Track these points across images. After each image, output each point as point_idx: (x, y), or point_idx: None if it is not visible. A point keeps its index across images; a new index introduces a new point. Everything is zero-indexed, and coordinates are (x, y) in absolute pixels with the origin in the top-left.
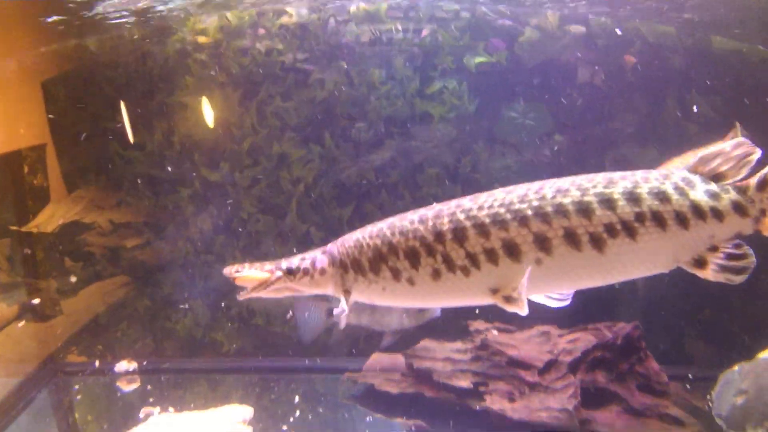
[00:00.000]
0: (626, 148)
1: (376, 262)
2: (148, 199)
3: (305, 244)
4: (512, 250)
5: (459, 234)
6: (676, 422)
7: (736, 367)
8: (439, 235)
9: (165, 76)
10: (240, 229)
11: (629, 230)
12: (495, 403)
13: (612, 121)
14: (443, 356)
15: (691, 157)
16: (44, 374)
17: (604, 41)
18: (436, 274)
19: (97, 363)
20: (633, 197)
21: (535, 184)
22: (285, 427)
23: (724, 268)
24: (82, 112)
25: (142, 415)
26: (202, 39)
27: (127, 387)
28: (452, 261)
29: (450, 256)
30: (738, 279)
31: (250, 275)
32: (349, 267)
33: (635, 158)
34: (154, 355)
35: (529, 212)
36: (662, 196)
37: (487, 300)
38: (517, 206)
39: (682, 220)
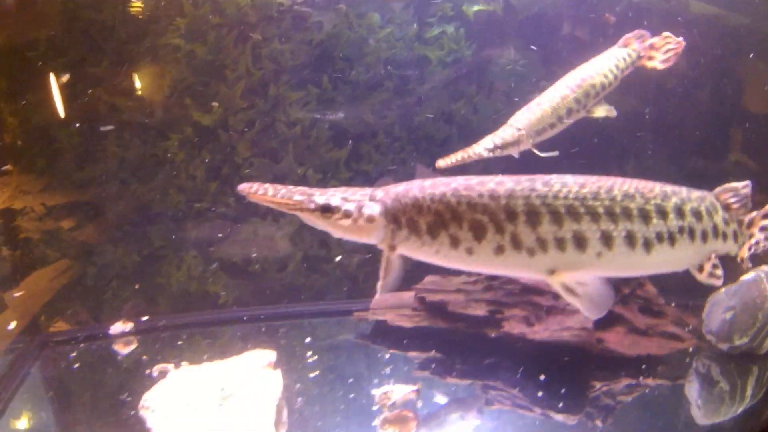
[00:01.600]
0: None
1: (436, 227)
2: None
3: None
4: (580, 242)
5: (534, 218)
6: (675, 338)
7: (722, 290)
8: (511, 215)
9: (155, 18)
10: (234, 176)
11: (672, 239)
12: (514, 328)
13: None
14: (454, 288)
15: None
16: (32, 348)
17: None
18: (499, 250)
19: (87, 328)
20: (680, 212)
21: (605, 183)
22: (308, 368)
23: (711, 275)
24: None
25: (155, 373)
26: None
27: (125, 349)
28: (520, 242)
29: (519, 237)
30: (719, 282)
31: (273, 202)
32: (404, 224)
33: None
34: (147, 313)
35: (601, 210)
36: (698, 215)
37: (540, 277)
38: (590, 202)
39: (704, 236)
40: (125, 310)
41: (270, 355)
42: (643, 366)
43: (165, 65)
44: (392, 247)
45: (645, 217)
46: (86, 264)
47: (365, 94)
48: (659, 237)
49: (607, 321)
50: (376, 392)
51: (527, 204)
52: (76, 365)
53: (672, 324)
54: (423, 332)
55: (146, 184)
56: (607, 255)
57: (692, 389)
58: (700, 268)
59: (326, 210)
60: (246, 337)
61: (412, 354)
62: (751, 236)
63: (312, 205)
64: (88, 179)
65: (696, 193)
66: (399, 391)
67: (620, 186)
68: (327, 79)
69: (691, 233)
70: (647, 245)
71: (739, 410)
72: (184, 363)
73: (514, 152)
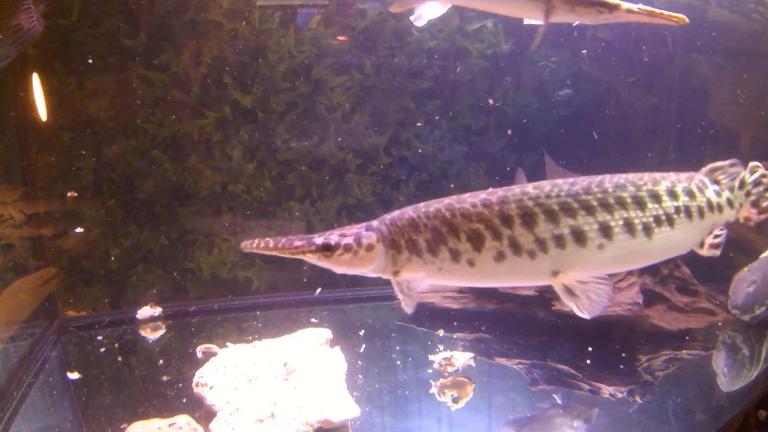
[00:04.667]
0: (629, 94)
1: (435, 242)
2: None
3: (340, 171)
4: (580, 237)
5: (529, 219)
6: (709, 313)
7: (746, 268)
8: (506, 220)
9: None
10: (271, 158)
11: (670, 220)
12: (564, 306)
13: (618, 73)
14: None
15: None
16: (50, 333)
17: None
18: (500, 257)
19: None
20: (672, 194)
21: (596, 178)
22: (363, 348)
23: (712, 246)
24: None
25: (200, 354)
26: None
27: (153, 334)
28: (520, 245)
29: (518, 240)
30: (718, 252)
31: (276, 251)
32: (404, 247)
33: (637, 103)
34: (174, 299)
35: (595, 203)
36: (690, 194)
37: (545, 281)
38: (583, 197)
39: (701, 212)
40: (151, 295)
41: (326, 332)
42: (686, 338)
43: (205, 42)
44: (396, 273)
45: (640, 203)
46: (110, 246)
47: (407, 81)
48: (657, 220)
49: (649, 299)
50: (435, 358)
51: (520, 207)
52: (102, 349)
53: (705, 301)
54: (470, 314)
55: (179, 163)
56: (609, 246)
57: (719, 359)
58: (701, 245)
59: (327, 248)
60: (285, 321)
61: (461, 335)
62: (748, 195)
63: (313, 247)
64: (117, 156)
65: (683, 175)
66: (460, 357)
67: (610, 179)
68: (370, 65)
69: (688, 212)
70: (647, 230)
71: (755, 374)
72: (228, 344)
73: None
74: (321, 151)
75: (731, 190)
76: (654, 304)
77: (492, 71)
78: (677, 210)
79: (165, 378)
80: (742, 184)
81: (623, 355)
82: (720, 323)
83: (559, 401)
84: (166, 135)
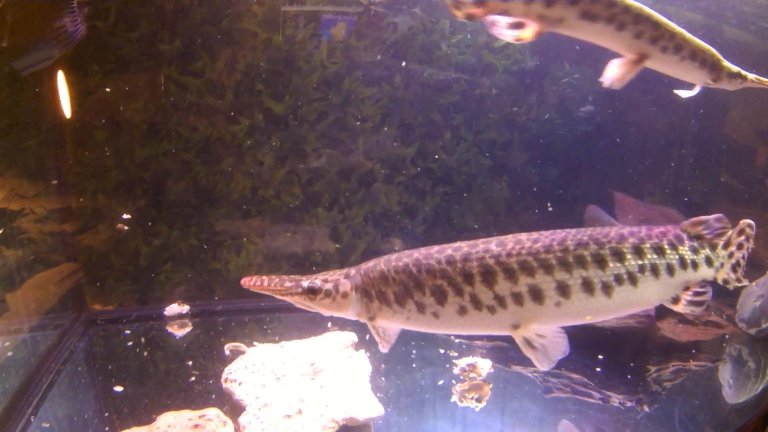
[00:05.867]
0: (648, 112)
1: (402, 295)
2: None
3: (368, 180)
4: (537, 295)
5: (488, 277)
6: (717, 326)
7: (753, 283)
8: (468, 277)
9: (231, 3)
10: (301, 164)
11: (632, 279)
12: None
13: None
14: None
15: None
16: (77, 326)
17: None
18: (462, 311)
19: (137, 309)
20: (638, 251)
21: (560, 235)
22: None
23: (690, 303)
24: None
25: (228, 351)
26: None
27: (180, 331)
28: (480, 301)
29: (478, 296)
30: (699, 310)
31: (268, 290)
32: (374, 297)
33: (656, 121)
34: (200, 298)
35: (554, 261)
36: (659, 251)
37: (506, 333)
38: (543, 256)
39: (670, 270)
40: (178, 293)
41: (351, 336)
42: (694, 350)
43: (239, 50)
44: (371, 318)
45: (600, 262)
46: (140, 243)
47: (435, 95)
48: (618, 279)
49: (660, 312)
50: (458, 363)
51: (482, 265)
52: (130, 343)
53: (714, 314)
54: None
55: (211, 166)
56: (566, 304)
57: (725, 371)
58: (676, 300)
59: (311, 292)
60: (308, 324)
61: (479, 342)
62: (731, 255)
63: (299, 289)
64: (149, 157)
65: (657, 230)
66: (483, 365)
67: (574, 236)
68: (399, 78)
69: (654, 270)
70: (607, 289)
71: (760, 387)
72: (256, 343)
73: None
74: (349, 160)
75: (713, 247)
76: (665, 317)
77: (517, 87)
78: (641, 268)
79: (193, 373)
80: (727, 244)
81: (633, 365)
82: (727, 336)
83: (571, 409)
84: (199, 139)
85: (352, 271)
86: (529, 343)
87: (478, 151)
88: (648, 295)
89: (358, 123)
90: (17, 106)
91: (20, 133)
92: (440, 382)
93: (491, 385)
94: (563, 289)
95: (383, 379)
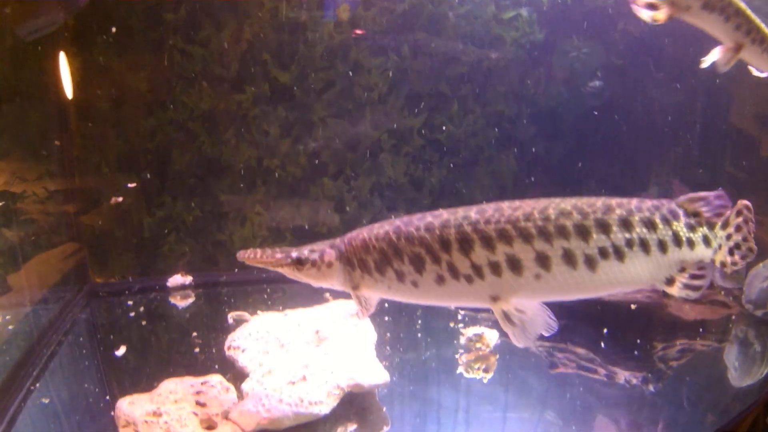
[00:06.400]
0: (657, 91)
1: (382, 264)
2: None
3: (374, 151)
4: (515, 265)
5: (465, 245)
6: (723, 305)
7: (761, 264)
8: (445, 245)
9: None
10: (307, 135)
11: (618, 253)
12: None
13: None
14: None
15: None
16: (79, 298)
17: None
18: (440, 280)
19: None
20: (626, 224)
21: (540, 204)
22: (390, 321)
23: (686, 286)
24: None
25: (231, 320)
26: None
27: (183, 302)
28: (457, 270)
29: (455, 265)
30: (694, 295)
31: (261, 262)
32: (356, 265)
33: (664, 98)
34: (204, 269)
35: (534, 231)
36: (650, 225)
37: (486, 305)
38: (522, 224)
39: (662, 246)
40: (182, 265)
41: (354, 306)
42: (701, 329)
43: (245, 19)
44: (355, 287)
45: (583, 233)
46: (144, 215)
47: (442, 66)
48: (603, 253)
49: None
50: (465, 332)
51: (459, 232)
52: (132, 314)
53: (721, 294)
54: None
55: (216, 136)
56: (547, 276)
57: (731, 353)
58: (670, 282)
59: (299, 262)
60: (312, 294)
61: (485, 313)
62: (729, 237)
63: (289, 260)
64: (154, 128)
65: (649, 203)
66: (491, 336)
67: (557, 205)
68: (407, 48)
69: (644, 245)
70: (590, 263)
71: (765, 371)
72: (260, 311)
73: None
74: (356, 131)
75: (711, 226)
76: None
77: (525, 59)
78: (629, 242)
79: (196, 342)
80: (725, 224)
81: (639, 341)
82: (733, 317)
83: (575, 385)
84: (204, 109)
85: (337, 241)
86: (507, 317)
87: (485, 124)
88: (637, 272)
89: (365, 93)
90: (20, 79)
91: (24, 105)
92: (446, 352)
93: (497, 356)
94: (543, 261)
95: (388, 348)
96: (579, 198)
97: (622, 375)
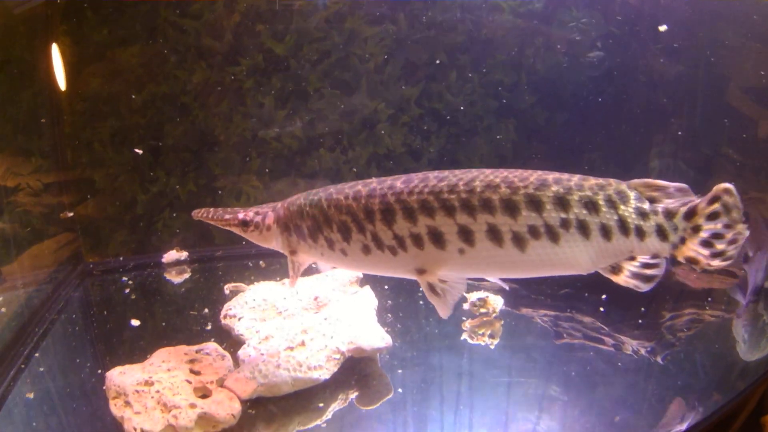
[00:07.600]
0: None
1: (314, 230)
2: None
3: (372, 121)
4: (437, 238)
5: (388, 216)
6: (730, 275)
7: None
8: (369, 214)
9: None
10: (302, 106)
11: (552, 234)
12: None
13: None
14: None
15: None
16: (72, 277)
17: None
18: (366, 250)
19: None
20: (562, 202)
21: (469, 175)
22: (391, 287)
23: (635, 275)
24: None
25: (228, 291)
26: None
27: (179, 278)
28: (381, 240)
29: (379, 236)
30: (645, 287)
31: (212, 220)
32: (292, 231)
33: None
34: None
35: (456, 204)
36: (591, 206)
37: (413, 277)
38: (445, 196)
39: (605, 231)
40: (177, 241)
41: (356, 272)
42: (709, 298)
43: None
44: (293, 252)
45: (511, 209)
46: (137, 191)
47: (440, 35)
48: (533, 232)
49: (674, 259)
50: (469, 296)
51: (383, 202)
52: (127, 290)
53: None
54: None
55: (209, 109)
56: (471, 252)
57: (739, 325)
58: (616, 270)
59: (244, 224)
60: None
61: (486, 284)
62: (696, 229)
63: (236, 221)
64: (146, 102)
65: (593, 181)
66: (495, 300)
67: (485, 177)
68: (403, 17)
69: (583, 227)
70: (518, 241)
71: None
72: (256, 282)
73: None
74: (353, 101)
75: (669, 216)
76: (680, 263)
77: (524, 28)
78: (564, 223)
79: (191, 314)
80: (690, 214)
81: (645, 310)
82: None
83: (580, 355)
84: (197, 82)
85: (278, 204)
86: (432, 288)
87: (484, 93)
88: (574, 256)
89: (361, 63)
90: (10, 54)
91: (14, 83)
92: (449, 318)
93: (503, 322)
94: (466, 235)
95: (389, 315)
96: (514, 170)
97: (630, 345)
